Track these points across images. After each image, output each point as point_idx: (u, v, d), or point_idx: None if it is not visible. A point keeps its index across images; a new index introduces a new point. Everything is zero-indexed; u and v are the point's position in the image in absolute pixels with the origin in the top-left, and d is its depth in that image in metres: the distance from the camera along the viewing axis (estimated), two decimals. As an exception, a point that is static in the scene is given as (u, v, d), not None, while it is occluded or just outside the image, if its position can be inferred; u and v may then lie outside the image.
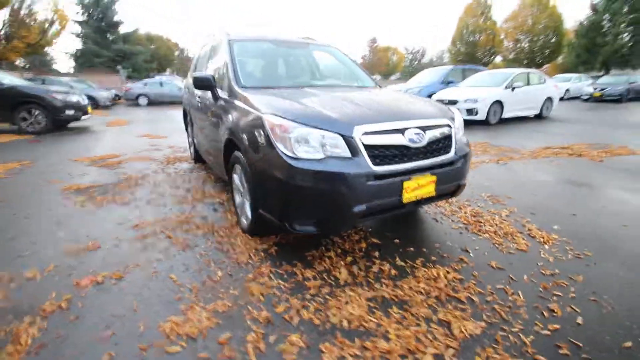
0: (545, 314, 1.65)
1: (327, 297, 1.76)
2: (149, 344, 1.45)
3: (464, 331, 1.52)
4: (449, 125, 2.17)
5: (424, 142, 1.98)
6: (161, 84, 18.62)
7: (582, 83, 17.70)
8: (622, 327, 1.56)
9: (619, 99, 15.45)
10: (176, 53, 46.14)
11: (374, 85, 3.18)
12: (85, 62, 27.32)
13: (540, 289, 1.85)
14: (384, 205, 1.90)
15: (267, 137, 1.90)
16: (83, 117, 8.03)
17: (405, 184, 1.90)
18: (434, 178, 2.02)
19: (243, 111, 2.23)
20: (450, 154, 2.13)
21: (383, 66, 51.35)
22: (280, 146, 1.82)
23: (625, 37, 20.92)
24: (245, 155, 2.10)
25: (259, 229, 2.29)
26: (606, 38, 21.26)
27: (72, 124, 8.48)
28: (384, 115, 2.02)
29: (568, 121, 8.97)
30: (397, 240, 2.39)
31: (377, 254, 2.20)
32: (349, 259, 2.14)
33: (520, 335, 1.51)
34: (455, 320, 1.58)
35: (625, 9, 20.64)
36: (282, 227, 1.95)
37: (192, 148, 4.73)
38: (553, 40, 26.46)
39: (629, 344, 1.45)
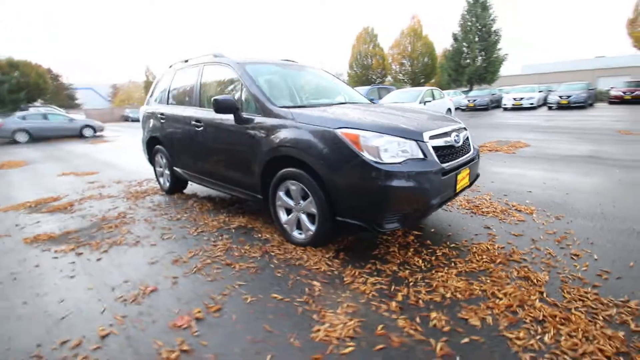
0: (573, 257, 2.23)
1: (425, 280, 2.02)
2: (314, 355, 1.47)
3: (540, 279, 1.97)
4: (465, 129, 2.71)
5: (461, 142, 2.45)
6: (45, 117, 15.79)
7: (458, 97, 21.82)
8: (622, 254, 2.23)
9: (485, 108, 19.66)
10: (50, 80, 39.42)
11: (370, 102, 3.59)
12: None
13: (556, 243, 2.46)
14: (447, 195, 2.27)
15: (347, 148, 2.08)
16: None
17: (458, 177, 2.32)
18: (468, 170, 2.50)
19: (299, 128, 2.34)
20: (472, 151, 2.66)
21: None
22: (366, 155, 2.03)
23: (479, 60, 26.75)
24: (315, 168, 2.21)
25: (325, 238, 2.40)
26: (467, 61, 26.81)
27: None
28: (434, 123, 2.43)
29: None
30: (432, 230, 2.78)
31: (428, 242, 2.55)
32: (412, 249, 2.43)
33: (573, 272, 2.03)
34: (529, 274, 2.02)
35: (477, 39, 26.51)
36: (363, 229, 2.13)
37: (163, 179, 4.35)
38: (429, 63, 31.93)
39: (632, 263, 2.11)
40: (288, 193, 2.55)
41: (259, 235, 2.81)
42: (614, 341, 1.45)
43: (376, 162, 2.02)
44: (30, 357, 1.52)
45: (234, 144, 2.91)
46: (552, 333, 1.53)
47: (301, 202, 2.44)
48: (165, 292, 2.02)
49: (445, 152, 2.29)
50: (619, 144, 6.29)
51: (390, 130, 2.13)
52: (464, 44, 27.10)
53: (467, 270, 2.11)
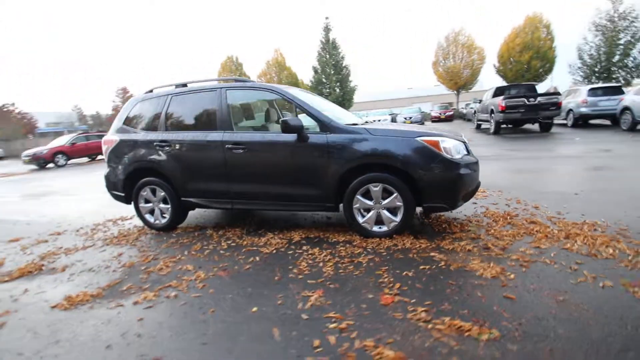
0: (601, 227, 3.36)
1: (500, 256, 2.88)
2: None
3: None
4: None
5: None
6: None
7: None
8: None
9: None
10: None
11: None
12: None
13: (581, 216, 3.67)
14: (479, 181, 3.25)
15: (430, 150, 2.80)
16: None
17: (477, 169, 3.36)
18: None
19: (381, 140, 2.90)
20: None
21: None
22: (446, 155, 2.80)
23: (337, 90, 31.44)
24: (405, 168, 2.82)
25: (408, 225, 3.00)
26: (327, 90, 31.07)
27: None
28: (454, 132, 3.39)
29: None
30: (452, 216, 3.75)
31: (482, 234, 3.42)
32: (462, 239, 3.30)
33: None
34: (587, 239, 3.08)
35: (333, 72, 31.14)
36: (444, 209, 2.89)
37: (154, 215, 3.84)
38: (294, 91, 35.32)
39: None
40: (364, 195, 3.02)
41: (336, 239, 3.11)
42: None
43: (451, 159, 2.82)
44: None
45: (298, 161, 3.14)
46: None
47: (382, 200, 2.97)
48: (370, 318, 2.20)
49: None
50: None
51: (452, 135, 3.00)
52: (323, 76, 31.35)
53: (500, 224, 3.14)
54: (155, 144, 3.64)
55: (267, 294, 2.24)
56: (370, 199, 3.02)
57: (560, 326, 1.68)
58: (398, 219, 2.97)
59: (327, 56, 32.11)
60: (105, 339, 1.88)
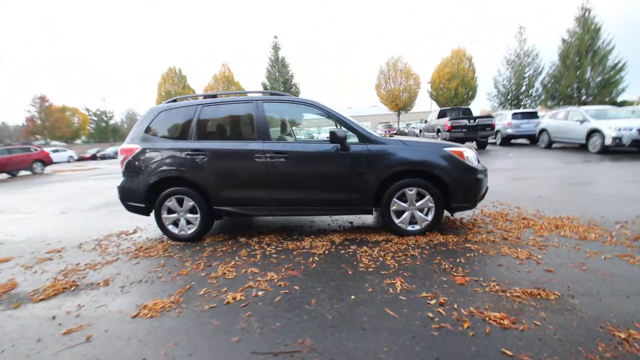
0: (576, 220, 4.35)
1: (519, 243, 3.52)
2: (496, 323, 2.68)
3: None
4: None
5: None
6: None
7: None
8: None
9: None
10: None
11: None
12: None
13: (554, 212, 4.58)
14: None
15: (457, 159, 3.35)
16: None
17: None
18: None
19: (416, 150, 3.38)
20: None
21: (65, 128, 42.61)
22: (468, 162, 3.38)
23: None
24: (439, 174, 3.31)
25: (439, 223, 3.47)
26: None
27: None
28: None
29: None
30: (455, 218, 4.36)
31: (493, 229, 4.09)
32: (481, 233, 3.90)
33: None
34: (572, 228, 3.91)
35: (282, 88, 31.75)
36: (467, 208, 3.45)
37: (178, 226, 3.75)
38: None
39: None
40: (399, 198, 3.44)
41: (375, 239, 3.46)
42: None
43: (472, 166, 3.42)
44: None
45: (341, 169, 3.44)
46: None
47: (415, 203, 3.42)
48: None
49: (477, 160, 3.98)
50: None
51: (471, 147, 3.61)
52: (274, 92, 31.82)
53: (500, 221, 3.82)
54: (186, 152, 3.62)
55: (353, 285, 2.49)
56: (405, 201, 3.45)
57: (596, 285, 2.27)
58: (429, 218, 3.44)
59: (277, 74, 32.73)
60: (234, 330, 1.96)
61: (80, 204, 6.91)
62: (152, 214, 3.82)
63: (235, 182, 3.61)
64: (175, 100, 3.98)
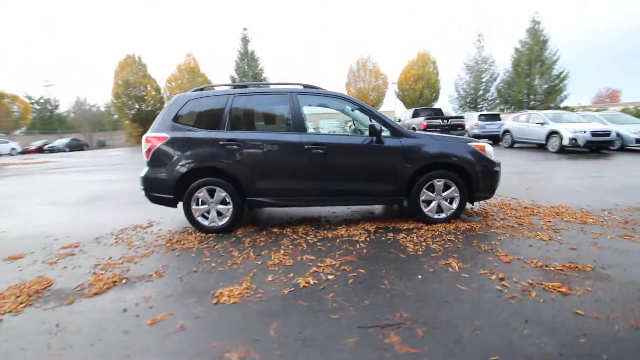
0: (570, 208, 4.86)
1: (534, 227, 3.93)
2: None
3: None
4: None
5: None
6: None
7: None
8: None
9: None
10: None
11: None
12: None
13: (547, 202, 5.08)
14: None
15: (480, 153, 3.69)
16: None
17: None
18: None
19: (444, 144, 3.66)
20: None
21: (2, 117, 38.06)
22: (489, 156, 3.73)
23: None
24: (465, 167, 3.62)
25: (461, 212, 3.79)
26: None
27: None
28: None
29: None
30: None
31: (505, 216, 4.48)
32: (497, 219, 4.29)
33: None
34: (570, 215, 4.38)
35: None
36: (487, 198, 3.82)
37: (208, 218, 3.69)
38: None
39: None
40: (428, 189, 3.71)
41: (407, 227, 3.69)
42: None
43: (492, 159, 3.78)
44: None
45: (376, 161, 3.63)
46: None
47: (442, 193, 3.71)
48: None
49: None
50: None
51: (488, 142, 3.97)
52: (243, 86, 31.06)
53: (508, 209, 4.26)
54: (221, 142, 3.58)
55: (413, 267, 2.69)
56: (433, 191, 3.72)
57: (615, 258, 2.70)
58: (454, 207, 3.75)
59: (246, 67, 32.00)
60: (327, 309, 2.07)
61: (61, 199, 6.37)
62: (176, 206, 3.72)
63: (271, 173, 3.65)
64: (202, 89, 3.89)
